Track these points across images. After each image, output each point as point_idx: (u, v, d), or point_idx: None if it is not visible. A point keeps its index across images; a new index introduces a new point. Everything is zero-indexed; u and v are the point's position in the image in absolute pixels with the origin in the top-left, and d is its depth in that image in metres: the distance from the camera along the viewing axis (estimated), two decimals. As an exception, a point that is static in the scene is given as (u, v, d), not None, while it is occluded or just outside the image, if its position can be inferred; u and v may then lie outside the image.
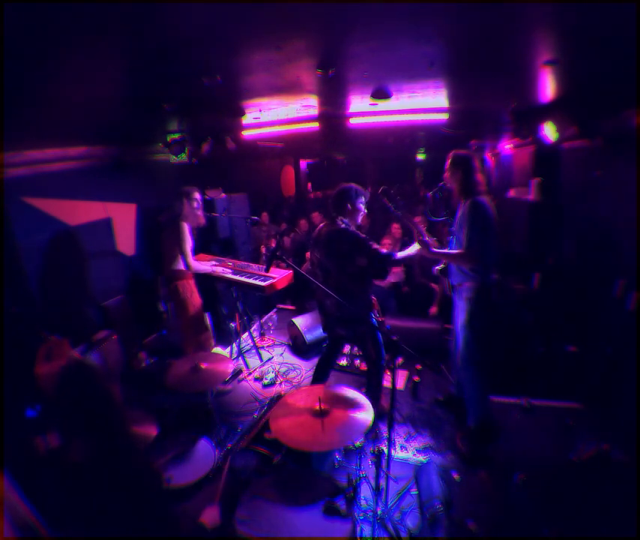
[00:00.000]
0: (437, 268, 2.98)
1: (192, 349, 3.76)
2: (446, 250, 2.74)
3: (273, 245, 4.99)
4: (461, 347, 2.72)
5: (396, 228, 5.32)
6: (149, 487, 1.35)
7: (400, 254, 2.76)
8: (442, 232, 5.66)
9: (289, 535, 1.63)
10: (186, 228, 3.38)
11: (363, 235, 2.64)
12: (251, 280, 3.64)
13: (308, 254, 4.75)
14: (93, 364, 1.42)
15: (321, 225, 2.85)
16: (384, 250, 2.63)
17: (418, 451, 2.79)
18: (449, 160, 2.73)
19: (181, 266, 3.48)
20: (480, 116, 4.03)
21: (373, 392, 2.85)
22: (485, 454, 2.66)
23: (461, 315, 2.69)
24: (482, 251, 2.49)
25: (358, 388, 2.25)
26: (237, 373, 3.83)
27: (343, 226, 2.66)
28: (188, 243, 3.38)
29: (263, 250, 5.62)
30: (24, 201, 3.32)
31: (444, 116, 3.68)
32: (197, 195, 3.50)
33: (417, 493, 2.39)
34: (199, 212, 3.53)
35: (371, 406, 1.99)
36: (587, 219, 3.67)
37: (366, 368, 3.01)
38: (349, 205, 2.69)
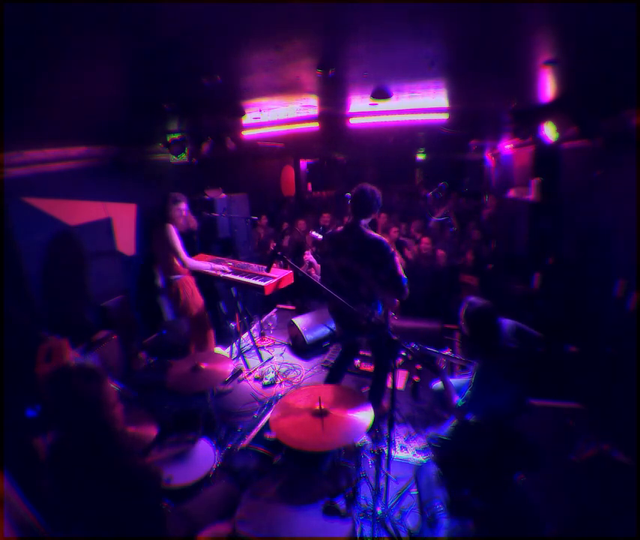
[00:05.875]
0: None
1: (197, 348, 3.79)
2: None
3: (272, 246, 4.99)
4: None
5: (394, 231, 5.31)
6: (143, 488, 1.36)
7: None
8: (442, 231, 5.67)
9: (289, 535, 1.63)
10: (172, 229, 3.42)
11: (392, 250, 2.55)
12: (251, 280, 3.63)
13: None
14: (90, 371, 1.40)
15: (340, 229, 2.71)
16: (401, 271, 2.53)
17: (418, 451, 2.79)
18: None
19: (177, 266, 3.51)
20: (480, 116, 4.03)
21: (376, 395, 2.84)
22: None
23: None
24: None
25: (359, 388, 2.25)
26: (237, 373, 3.83)
27: (371, 233, 2.58)
28: (177, 242, 3.42)
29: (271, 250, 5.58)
30: (24, 201, 3.31)
31: (444, 116, 3.68)
32: (183, 205, 3.52)
33: (417, 493, 2.39)
34: (182, 220, 3.55)
35: (372, 406, 2.00)
36: (587, 219, 3.67)
37: (373, 371, 2.96)
38: (370, 208, 2.60)
